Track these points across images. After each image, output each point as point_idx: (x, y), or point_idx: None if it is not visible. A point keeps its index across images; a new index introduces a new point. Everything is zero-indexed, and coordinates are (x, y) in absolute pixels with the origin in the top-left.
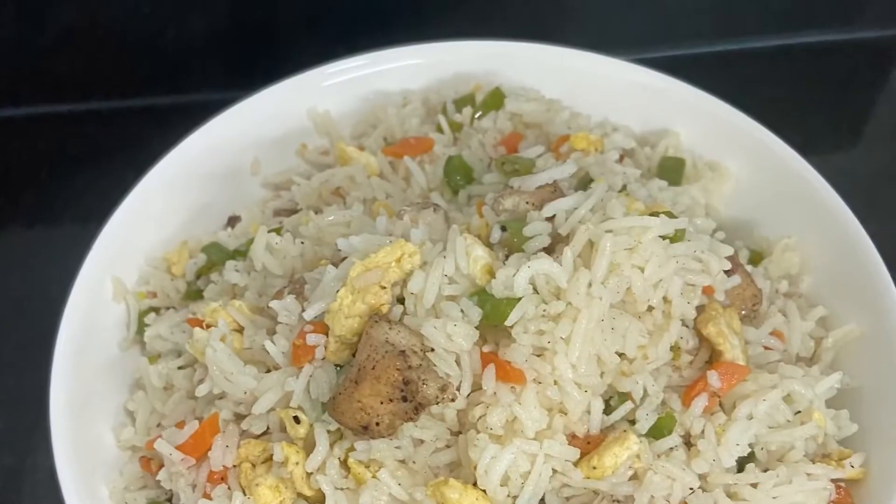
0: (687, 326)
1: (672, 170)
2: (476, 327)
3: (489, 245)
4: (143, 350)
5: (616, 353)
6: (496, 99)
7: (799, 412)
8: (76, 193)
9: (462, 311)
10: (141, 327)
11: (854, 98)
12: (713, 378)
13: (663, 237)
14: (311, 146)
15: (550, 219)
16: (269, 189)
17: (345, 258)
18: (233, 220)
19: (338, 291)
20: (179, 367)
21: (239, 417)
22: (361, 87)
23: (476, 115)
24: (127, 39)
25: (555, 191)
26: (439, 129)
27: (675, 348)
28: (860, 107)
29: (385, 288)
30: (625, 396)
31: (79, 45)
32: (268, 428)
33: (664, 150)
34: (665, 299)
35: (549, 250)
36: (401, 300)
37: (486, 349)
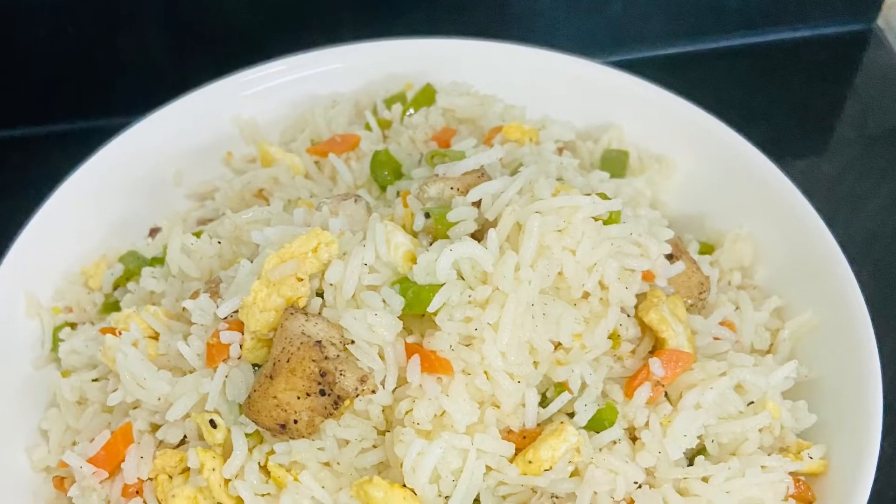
0: (627, 314)
1: (615, 162)
2: (400, 318)
3: (414, 234)
4: (59, 368)
5: (550, 341)
6: (427, 95)
7: (752, 403)
8: None
9: (384, 300)
10: (55, 344)
11: (817, 97)
12: (655, 366)
13: (596, 219)
14: (237, 154)
15: (477, 204)
16: (194, 200)
17: None
18: (154, 232)
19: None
20: (94, 380)
21: (155, 427)
22: (288, 92)
23: (407, 113)
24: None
25: (482, 176)
26: (368, 128)
27: (614, 336)
28: (824, 106)
29: (302, 280)
30: (561, 387)
31: None
32: (185, 437)
33: (607, 143)
34: (601, 285)
35: (476, 237)
36: (320, 293)
37: (410, 341)
